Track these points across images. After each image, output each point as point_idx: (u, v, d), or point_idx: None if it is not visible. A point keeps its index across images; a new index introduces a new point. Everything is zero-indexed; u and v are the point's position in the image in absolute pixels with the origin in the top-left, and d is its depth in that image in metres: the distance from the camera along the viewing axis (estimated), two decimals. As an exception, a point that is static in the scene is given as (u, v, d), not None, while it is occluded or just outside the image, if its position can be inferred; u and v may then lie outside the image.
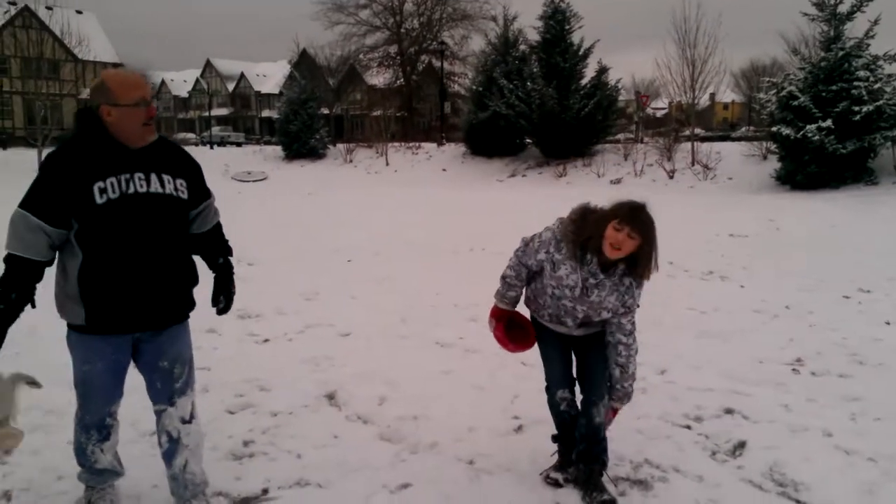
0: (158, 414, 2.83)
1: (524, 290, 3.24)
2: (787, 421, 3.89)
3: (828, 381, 4.55)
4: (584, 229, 2.86)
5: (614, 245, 2.77)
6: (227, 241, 3.00)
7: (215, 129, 55.85)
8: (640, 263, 2.84)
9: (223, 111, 70.55)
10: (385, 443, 3.66)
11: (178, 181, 2.65)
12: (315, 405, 4.17)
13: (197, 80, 76.05)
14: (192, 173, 2.76)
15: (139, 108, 2.50)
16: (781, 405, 4.11)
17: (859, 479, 3.23)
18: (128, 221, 2.50)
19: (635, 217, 2.76)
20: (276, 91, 54.74)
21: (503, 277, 3.23)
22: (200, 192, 2.80)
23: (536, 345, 3.28)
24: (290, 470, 3.31)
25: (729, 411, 4.04)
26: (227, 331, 5.39)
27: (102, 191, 2.45)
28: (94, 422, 2.74)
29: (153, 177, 2.57)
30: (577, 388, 3.25)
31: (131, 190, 2.50)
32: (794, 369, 4.77)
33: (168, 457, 2.84)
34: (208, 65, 75.03)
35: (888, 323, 5.92)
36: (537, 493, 3.12)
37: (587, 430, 3.14)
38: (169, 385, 2.79)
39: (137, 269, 2.54)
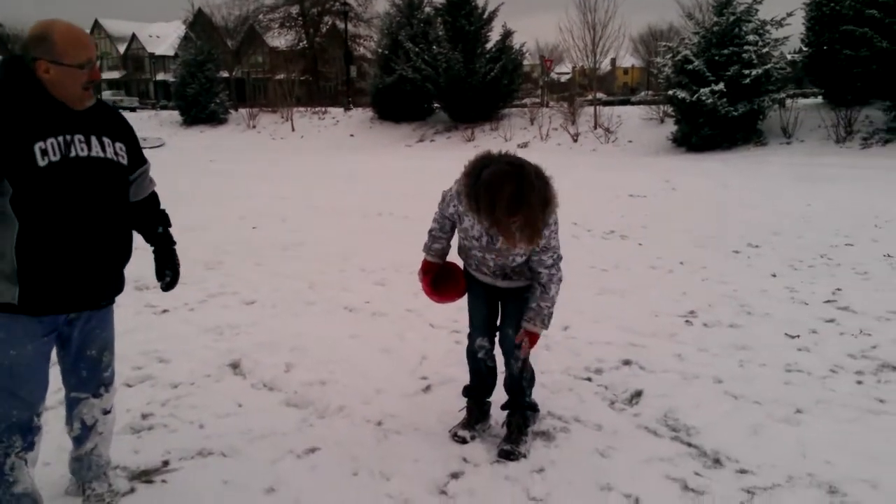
0: (75, 401, 2.61)
1: (455, 240, 3.24)
2: (681, 370, 4.09)
3: (718, 332, 4.80)
4: (477, 189, 2.72)
5: (507, 234, 2.73)
6: (164, 211, 2.78)
7: (106, 94, 52.83)
8: (531, 225, 2.73)
9: (114, 74, 66.82)
10: (292, 409, 3.61)
11: (118, 145, 2.45)
12: (218, 374, 4.06)
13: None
14: (130, 137, 2.55)
15: (83, 70, 2.25)
16: (675, 355, 4.32)
17: (745, 422, 3.43)
18: (70, 187, 2.26)
19: (518, 208, 2.64)
20: (172, 53, 52.14)
21: (429, 231, 3.23)
22: (137, 157, 2.60)
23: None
24: (191, 440, 3.22)
25: (627, 363, 4.20)
26: (123, 302, 5.09)
27: (44, 152, 2.20)
28: (21, 422, 2.35)
29: (93, 140, 2.35)
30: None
31: (73, 153, 2.27)
32: (687, 321, 5.01)
33: (78, 441, 2.68)
34: (96, 25, 70.55)
35: (774, 275, 6.29)
36: (445, 450, 3.16)
37: (508, 381, 3.26)
38: (96, 375, 2.59)
39: (80, 240, 2.32)
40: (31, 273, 2.25)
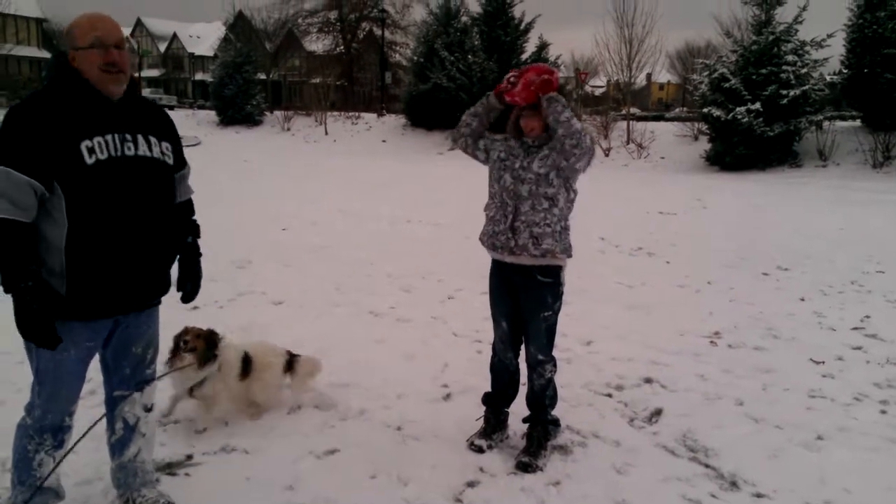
0: (117, 399, 2.58)
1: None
2: (703, 390, 4.08)
3: (743, 353, 4.76)
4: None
5: (527, 130, 3.14)
6: (196, 221, 2.74)
7: (146, 91, 53.84)
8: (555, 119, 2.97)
9: (154, 73, 67.92)
10: (314, 410, 3.67)
11: (164, 144, 2.43)
12: (244, 373, 4.14)
13: (126, 39, 72.69)
14: (174, 137, 2.54)
15: (93, 51, 2.21)
16: (698, 375, 4.30)
17: (765, 445, 3.41)
18: (118, 187, 2.24)
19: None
20: (211, 53, 52.98)
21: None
22: (180, 158, 2.58)
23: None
24: (215, 436, 3.30)
25: (648, 381, 4.20)
26: (154, 297, 5.27)
27: (91, 150, 2.17)
28: (54, 423, 2.40)
29: (140, 139, 2.33)
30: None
31: (120, 152, 2.25)
32: (711, 342, 4.98)
33: (120, 445, 2.62)
34: (139, 23, 71.93)
35: (802, 300, 6.23)
36: (461, 458, 3.20)
37: (530, 397, 3.29)
38: (140, 371, 2.58)
39: (128, 241, 2.29)
40: (81, 275, 2.23)
